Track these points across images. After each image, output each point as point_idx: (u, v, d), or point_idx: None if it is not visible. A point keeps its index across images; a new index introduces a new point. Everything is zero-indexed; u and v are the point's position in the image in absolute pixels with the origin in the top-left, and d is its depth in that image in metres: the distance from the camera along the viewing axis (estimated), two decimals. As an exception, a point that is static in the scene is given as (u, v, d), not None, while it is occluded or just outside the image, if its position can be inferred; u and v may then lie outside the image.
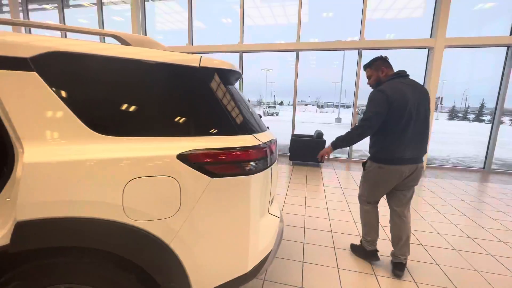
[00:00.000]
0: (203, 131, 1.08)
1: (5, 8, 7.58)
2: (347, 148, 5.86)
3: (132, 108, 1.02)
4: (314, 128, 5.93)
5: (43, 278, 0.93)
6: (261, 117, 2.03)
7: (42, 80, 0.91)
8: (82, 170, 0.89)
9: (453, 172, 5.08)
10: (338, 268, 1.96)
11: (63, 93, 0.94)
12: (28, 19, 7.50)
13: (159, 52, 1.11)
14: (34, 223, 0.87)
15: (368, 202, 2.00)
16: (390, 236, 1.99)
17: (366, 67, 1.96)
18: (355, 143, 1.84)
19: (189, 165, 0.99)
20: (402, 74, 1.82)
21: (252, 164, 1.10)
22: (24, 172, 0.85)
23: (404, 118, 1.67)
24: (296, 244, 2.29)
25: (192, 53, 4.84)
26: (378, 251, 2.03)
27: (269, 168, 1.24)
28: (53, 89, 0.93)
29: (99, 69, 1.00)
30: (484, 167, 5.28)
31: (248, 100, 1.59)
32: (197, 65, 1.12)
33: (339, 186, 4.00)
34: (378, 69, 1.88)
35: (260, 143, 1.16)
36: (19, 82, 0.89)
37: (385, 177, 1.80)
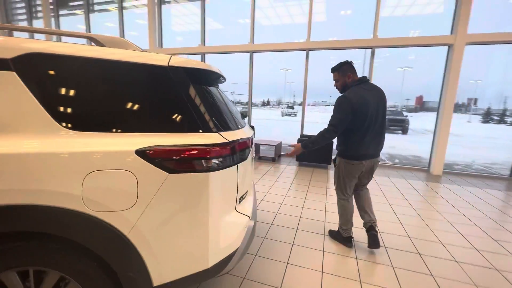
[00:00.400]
0: (166, 128, 1.12)
1: (39, 14, 8.27)
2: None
3: (98, 105, 1.08)
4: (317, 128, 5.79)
5: (9, 260, 1.02)
6: (245, 116, 2.06)
7: (19, 79, 1.01)
8: (45, 162, 0.97)
9: (473, 179, 4.71)
10: (322, 272, 1.92)
11: (38, 91, 1.03)
12: (59, 24, 8.13)
13: (128, 52, 1.17)
14: None
15: (344, 195, 2.22)
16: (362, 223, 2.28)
17: (334, 70, 2.14)
18: (322, 145, 2.10)
19: (147, 161, 1.03)
20: (364, 80, 2.05)
21: (212, 161, 1.12)
22: None
23: (366, 121, 1.95)
24: (284, 245, 2.27)
25: (203, 53, 4.98)
26: (352, 237, 2.32)
27: (235, 166, 1.25)
28: (29, 87, 1.02)
29: (71, 69, 1.08)
30: (511, 175, 4.83)
31: (236, 102, 1.62)
32: (166, 64, 1.17)
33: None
34: (345, 74, 2.08)
35: (223, 141, 1.17)
36: None
37: (352, 170, 2.09)
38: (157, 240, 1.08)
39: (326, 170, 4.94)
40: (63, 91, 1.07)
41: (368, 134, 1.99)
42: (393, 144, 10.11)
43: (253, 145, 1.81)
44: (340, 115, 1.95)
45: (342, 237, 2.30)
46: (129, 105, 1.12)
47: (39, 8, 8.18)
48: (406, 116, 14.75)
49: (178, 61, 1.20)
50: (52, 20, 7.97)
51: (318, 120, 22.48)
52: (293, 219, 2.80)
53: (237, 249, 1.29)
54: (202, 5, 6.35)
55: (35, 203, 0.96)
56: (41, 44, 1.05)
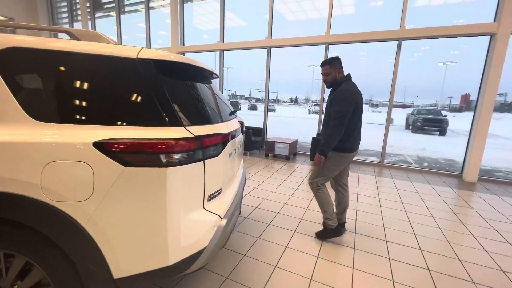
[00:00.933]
0: (130, 121, 1.11)
1: (79, 18, 9.02)
2: (380, 150, 5.27)
3: (64, 96, 1.11)
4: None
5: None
6: (234, 111, 1.99)
7: None
8: (8, 150, 1.01)
9: (517, 189, 4.09)
10: (311, 280, 1.80)
11: (12, 83, 1.08)
12: (95, 25, 8.79)
13: (97, 45, 1.18)
14: None
15: (321, 185, 2.24)
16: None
17: (325, 63, 2.14)
18: (336, 143, 2.05)
19: (104, 153, 1.03)
20: (350, 77, 2.15)
21: (170, 156, 1.08)
22: None
23: (356, 116, 2.06)
24: (276, 247, 2.18)
25: (222, 50, 4.98)
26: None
27: (201, 162, 1.20)
28: (5, 79, 1.07)
29: (43, 62, 1.11)
30: None
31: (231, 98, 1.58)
32: (134, 56, 1.16)
33: (356, 192, 3.63)
34: (336, 68, 2.12)
35: (187, 135, 1.13)
36: None
37: (343, 162, 2.18)
38: (114, 233, 1.08)
39: (341, 171, 4.68)
40: (31, 82, 1.11)
41: (357, 128, 2.13)
42: (423, 145, 9.24)
43: (236, 139, 1.75)
44: (346, 108, 1.98)
45: (332, 230, 2.31)
46: (95, 97, 1.13)
47: (79, 12, 8.92)
48: (445, 115, 13.39)
49: (148, 53, 1.18)
50: (89, 22, 8.64)
51: None
52: (293, 220, 2.68)
53: (204, 248, 1.25)
54: (222, 2, 6.38)
55: (-1, 190, 1.01)
56: (19, 39, 1.10)
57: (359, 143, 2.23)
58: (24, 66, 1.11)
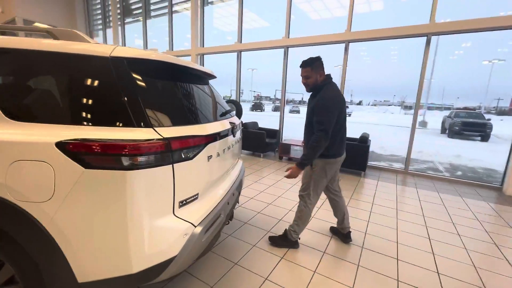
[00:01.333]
0: (97, 121, 1.07)
1: (111, 24, 9.66)
2: (405, 156, 4.83)
3: (33, 95, 1.11)
4: (389, 132, 5.10)
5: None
6: (228, 112, 1.91)
7: None
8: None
9: None
10: (301, 297, 1.64)
11: None
12: (124, 30, 9.34)
13: (71, 43, 1.16)
14: None
15: (314, 199, 2.09)
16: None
17: (306, 65, 1.95)
18: (317, 156, 1.92)
19: (65, 154, 1.00)
20: (331, 78, 1.99)
21: (132, 158, 1.02)
22: None
23: (339, 121, 1.93)
24: (272, 258, 2.04)
25: (239, 51, 4.96)
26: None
27: (170, 166, 1.13)
28: None
29: (15, 61, 1.13)
30: None
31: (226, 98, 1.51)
32: (108, 55, 1.13)
33: (371, 201, 3.34)
34: (318, 71, 1.94)
35: (154, 137, 1.06)
36: None
37: (331, 169, 2.04)
38: (77, 237, 1.05)
39: (358, 178, 4.36)
40: (4, 80, 1.13)
41: (341, 132, 2.01)
42: (458, 152, 8.31)
43: (227, 139, 1.67)
44: (330, 117, 1.85)
45: (291, 241, 2.18)
46: (63, 95, 1.12)
47: (111, 18, 9.55)
48: (489, 119, 12.02)
49: (122, 51, 1.15)
50: (119, 28, 9.21)
51: (377, 121, 20.40)
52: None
53: (174, 257, 1.18)
54: (240, 3, 6.36)
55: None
56: None
57: (344, 147, 2.12)
58: (2, 65, 1.14)
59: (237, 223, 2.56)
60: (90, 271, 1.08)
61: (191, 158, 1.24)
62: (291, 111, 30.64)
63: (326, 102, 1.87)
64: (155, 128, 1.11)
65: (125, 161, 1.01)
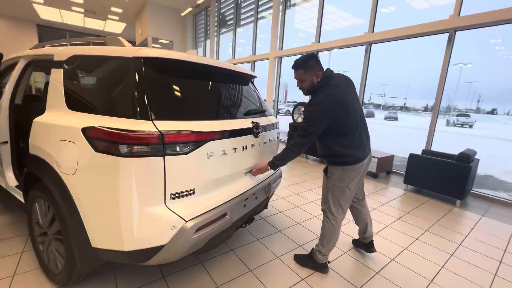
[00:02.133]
0: (111, 112, 1.27)
1: (210, 35, 11.22)
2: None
3: (80, 89, 1.41)
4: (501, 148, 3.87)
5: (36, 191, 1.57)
6: (258, 112, 1.85)
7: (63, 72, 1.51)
8: (44, 129, 1.41)
9: None
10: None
11: (68, 82, 1.49)
12: (219, 39, 10.63)
13: (106, 48, 1.41)
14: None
15: (339, 214, 1.80)
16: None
17: (297, 67, 1.69)
18: (289, 161, 1.78)
19: (86, 138, 1.22)
20: (331, 74, 1.68)
21: (124, 146, 1.12)
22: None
23: (352, 122, 1.67)
24: (292, 276, 1.82)
25: (317, 50, 4.79)
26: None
27: (161, 157, 1.17)
28: (65, 79, 1.49)
29: (81, 63, 1.47)
30: None
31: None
32: (131, 56, 1.30)
33: (457, 241, 2.46)
34: (313, 71, 1.66)
35: (144, 129, 1.14)
36: None
37: (351, 176, 1.73)
38: (88, 210, 1.25)
39: (449, 206, 3.31)
40: (70, 82, 1.47)
41: (357, 133, 1.72)
42: None
43: (240, 139, 1.60)
44: (313, 128, 1.61)
45: (318, 263, 1.88)
46: (96, 90, 1.38)
47: (210, 30, 11.09)
48: None
49: (143, 52, 1.30)
50: (215, 38, 10.56)
51: (489, 134, 14.75)
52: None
53: (163, 246, 1.23)
54: (321, 5, 6.04)
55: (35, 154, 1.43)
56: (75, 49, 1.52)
57: (369, 147, 1.83)
58: (75, 69, 1.50)
59: (270, 229, 2.44)
60: (97, 239, 1.26)
61: (186, 153, 1.26)
62: (387, 118, 26.71)
63: (315, 109, 1.61)
64: (154, 121, 1.18)
65: (119, 148, 1.13)
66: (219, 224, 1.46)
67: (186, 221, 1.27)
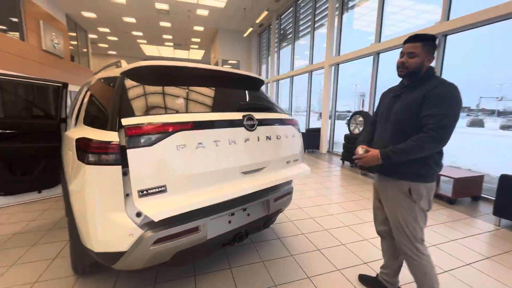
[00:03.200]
0: (95, 124, 1.44)
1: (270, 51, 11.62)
2: None
3: (85, 107, 1.68)
4: None
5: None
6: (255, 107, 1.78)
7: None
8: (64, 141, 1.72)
9: None
10: None
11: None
12: (279, 54, 10.85)
13: (106, 70, 1.63)
14: None
15: (421, 243, 1.42)
16: None
17: (416, 40, 1.36)
18: (411, 158, 1.31)
19: (75, 147, 1.41)
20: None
21: (88, 155, 1.23)
22: None
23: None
24: None
25: (377, 52, 4.35)
26: None
27: (118, 166, 1.21)
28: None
29: (96, 86, 1.76)
30: None
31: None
32: (118, 74, 1.49)
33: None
34: (429, 53, 1.37)
35: (103, 140, 1.23)
36: None
37: (431, 197, 1.42)
38: (75, 208, 1.43)
39: None
40: (89, 101, 1.78)
41: None
42: None
43: (218, 131, 1.46)
44: (456, 114, 1.27)
45: None
46: (97, 105, 1.58)
47: (271, 47, 11.49)
48: None
49: (126, 66, 1.47)
50: (276, 54, 10.84)
51: None
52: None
53: (123, 252, 1.28)
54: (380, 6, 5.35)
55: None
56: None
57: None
58: (94, 90, 1.81)
59: (334, 243, 2.19)
60: (82, 237, 1.40)
61: (150, 145, 1.22)
62: (504, 127, 20.27)
63: (452, 89, 1.27)
64: (123, 119, 1.23)
65: (85, 156, 1.25)
66: (187, 238, 1.40)
67: (144, 231, 1.28)
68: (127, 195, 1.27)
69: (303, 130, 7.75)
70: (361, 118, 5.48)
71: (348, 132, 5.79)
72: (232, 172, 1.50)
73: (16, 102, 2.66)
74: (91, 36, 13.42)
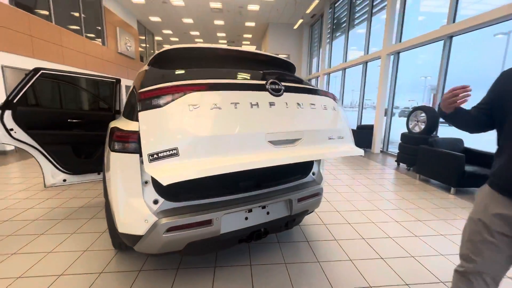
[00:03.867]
0: (128, 115, 1.55)
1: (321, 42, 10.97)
2: None
3: (125, 101, 1.83)
4: None
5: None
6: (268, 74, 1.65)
7: None
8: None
9: None
10: None
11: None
12: (331, 46, 10.16)
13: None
14: None
15: (469, 273, 1.10)
16: None
17: None
18: None
19: (108, 134, 1.56)
20: None
21: (114, 143, 1.35)
22: None
23: None
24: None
25: (450, 36, 3.88)
26: None
27: (136, 155, 1.29)
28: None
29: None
30: None
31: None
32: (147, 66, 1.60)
33: None
34: None
35: (125, 129, 1.34)
36: None
37: (498, 209, 1.07)
38: (107, 187, 1.59)
39: None
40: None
41: None
42: None
43: (238, 93, 1.34)
44: None
45: None
46: (130, 99, 1.72)
47: (323, 38, 10.85)
48: None
49: (152, 57, 1.59)
50: (327, 45, 10.18)
51: None
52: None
53: (141, 236, 1.36)
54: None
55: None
56: None
57: None
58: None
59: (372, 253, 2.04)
60: (113, 216, 1.54)
61: (161, 106, 1.18)
62: None
63: None
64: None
65: (111, 144, 1.37)
66: (200, 230, 1.41)
67: (158, 219, 1.33)
68: (145, 182, 1.35)
69: (353, 127, 7.12)
70: (423, 115, 4.71)
71: (406, 131, 5.07)
72: (256, 139, 1.33)
73: (80, 96, 3.17)
74: (157, 38, 15.02)
